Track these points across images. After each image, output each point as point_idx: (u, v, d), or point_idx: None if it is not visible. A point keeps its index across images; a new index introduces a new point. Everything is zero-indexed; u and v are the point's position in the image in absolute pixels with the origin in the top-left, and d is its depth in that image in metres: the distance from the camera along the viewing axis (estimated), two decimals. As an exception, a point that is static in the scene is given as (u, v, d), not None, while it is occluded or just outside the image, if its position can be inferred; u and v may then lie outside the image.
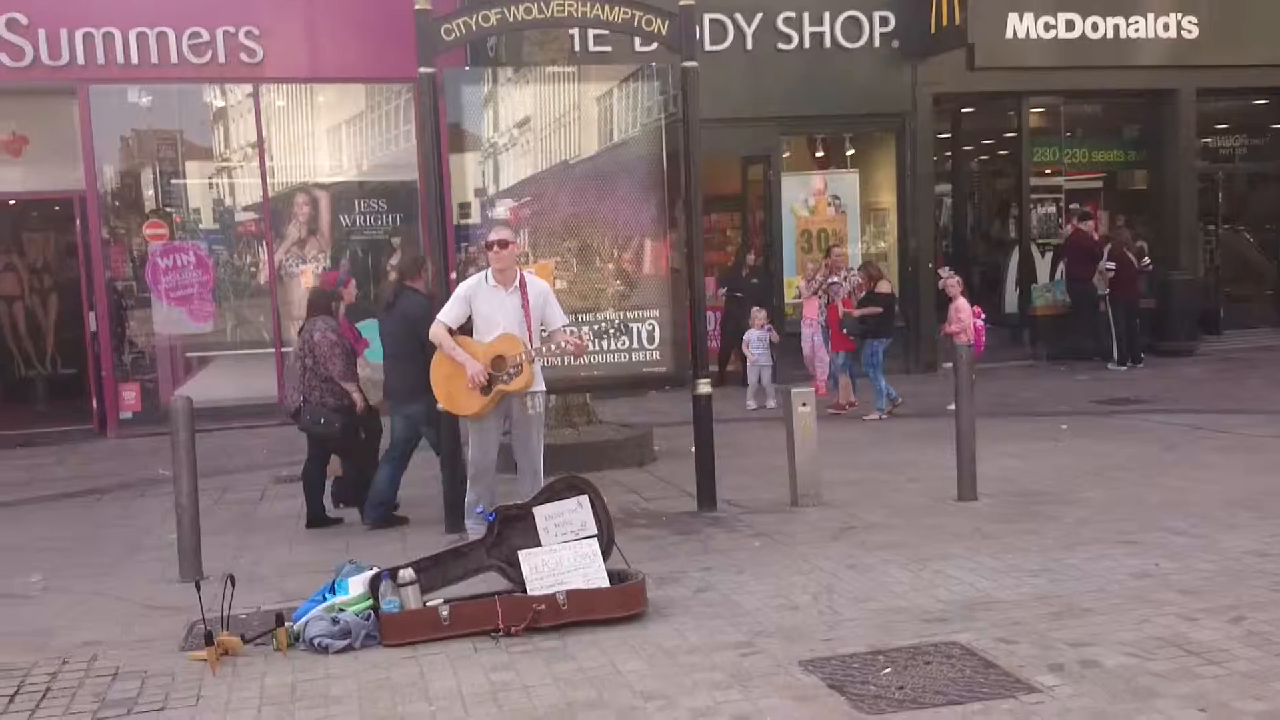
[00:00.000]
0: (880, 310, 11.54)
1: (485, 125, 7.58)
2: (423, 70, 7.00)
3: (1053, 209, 15.74)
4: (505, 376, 6.57)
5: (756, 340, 12.45)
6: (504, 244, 6.58)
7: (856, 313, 11.49)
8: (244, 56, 12.28)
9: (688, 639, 5.00)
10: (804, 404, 7.47)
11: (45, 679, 4.99)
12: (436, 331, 6.69)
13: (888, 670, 4.49)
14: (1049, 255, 15.68)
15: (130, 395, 12.55)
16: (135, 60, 12.00)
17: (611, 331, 7.14)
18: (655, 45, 12.09)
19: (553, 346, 6.72)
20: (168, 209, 12.93)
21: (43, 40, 11.76)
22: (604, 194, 7.51)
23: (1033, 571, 5.79)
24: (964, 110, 15.87)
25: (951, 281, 11.95)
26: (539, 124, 7.60)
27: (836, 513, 7.26)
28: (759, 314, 12.61)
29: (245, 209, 13.12)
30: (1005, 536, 6.49)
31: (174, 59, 12.10)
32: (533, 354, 6.58)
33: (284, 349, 12.82)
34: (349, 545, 7.18)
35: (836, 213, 14.50)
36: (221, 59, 12.22)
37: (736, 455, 9.06)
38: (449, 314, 6.71)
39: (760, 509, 7.51)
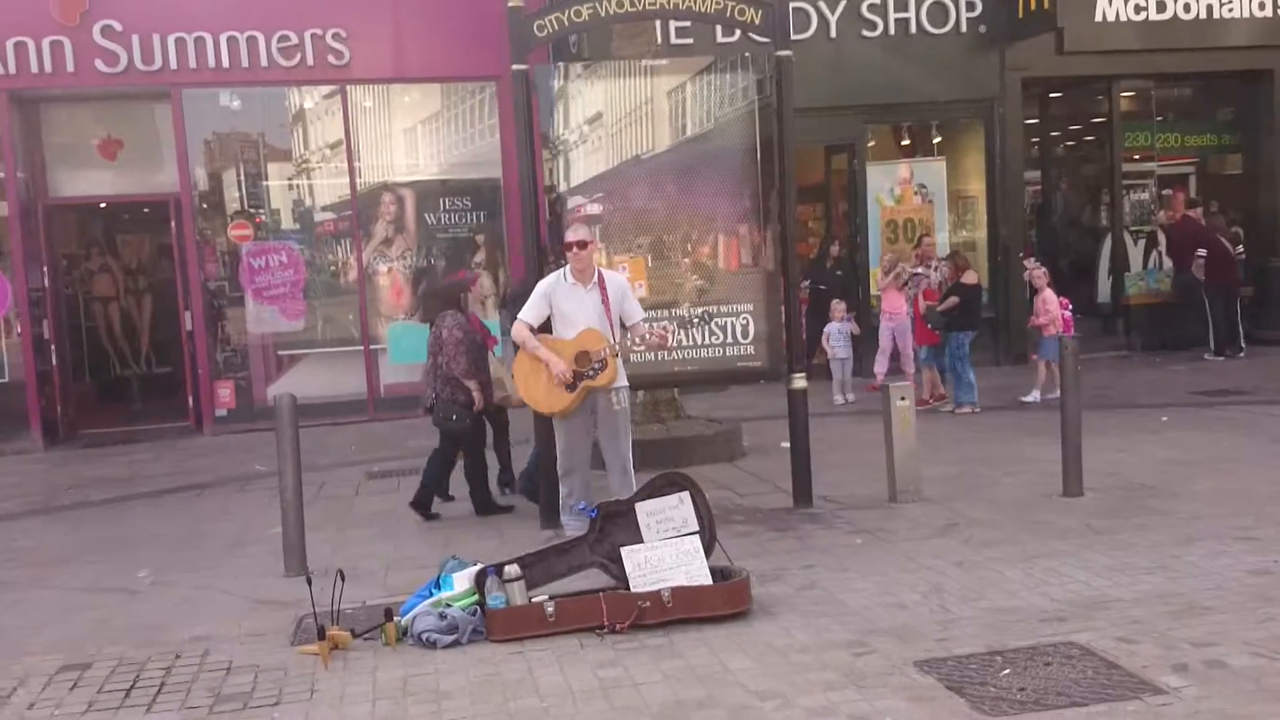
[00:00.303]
0: (960, 301, 11.30)
1: (574, 120, 7.57)
2: (515, 67, 7.00)
3: (1145, 195, 15.34)
4: (590, 372, 6.58)
5: (836, 333, 12.31)
6: (583, 245, 6.61)
7: (940, 306, 11.31)
8: (331, 59, 12.42)
9: (796, 638, 4.94)
10: (902, 398, 7.36)
11: (160, 673, 5.08)
12: (519, 330, 6.70)
13: (1007, 671, 4.39)
14: (1142, 243, 15.30)
15: (225, 393, 12.77)
16: (226, 64, 12.18)
17: (696, 321, 7.07)
18: (736, 36, 12.22)
19: (636, 340, 6.73)
20: (254, 209, 13.14)
21: (136, 46, 11.99)
22: (694, 186, 7.44)
23: (1147, 569, 5.63)
24: (1052, 95, 15.54)
25: (1038, 272, 11.71)
26: (627, 117, 7.57)
27: (938, 509, 7.14)
28: (839, 306, 12.47)
29: (333, 209, 13.28)
30: (1116, 532, 6.32)
31: (264, 62, 12.27)
32: (616, 349, 6.60)
33: (372, 346, 13.00)
34: (449, 540, 7.21)
35: (923, 202, 14.28)
36: (310, 61, 12.37)
37: (827, 450, 8.93)
38: (530, 312, 6.73)
39: (858, 505, 7.42)
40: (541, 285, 6.79)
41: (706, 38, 12.59)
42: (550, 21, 6.95)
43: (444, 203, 13.27)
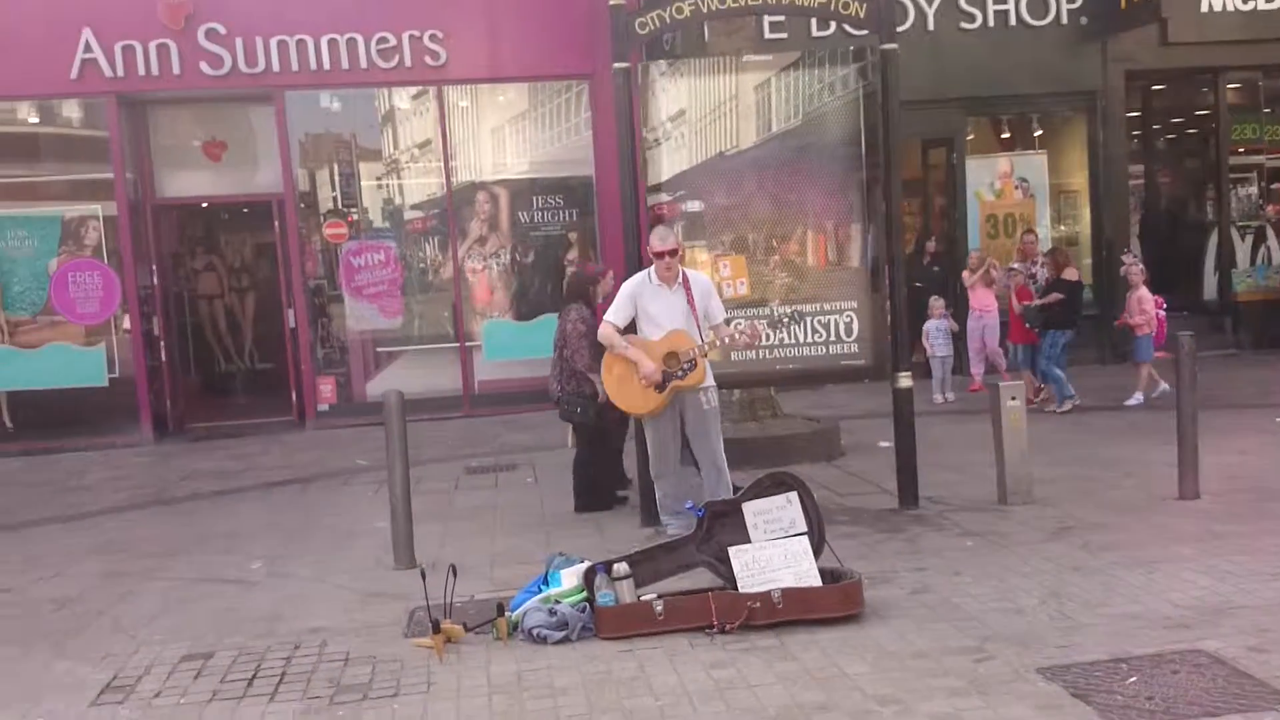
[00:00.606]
0: (1062, 298, 11.06)
1: (669, 117, 7.53)
2: (618, 65, 7.00)
3: (1253, 189, 14.88)
4: (679, 373, 6.57)
5: (935, 330, 12.13)
6: (673, 253, 6.63)
7: (1037, 302, 11.09)
8: (428, 59, 12.58)
9: (913, 642, 4.87)
10: (1013, 398, 7.22)
11: (280, 663, 5.19)
12: (606, 332, 6.73)
13: (1133, 679, 4.28)
14: (1249, 238, 14.85)
15: (326, 389, 13.03)
16: (327, 66, 12.41)
17: (785, 320, 6.99)
18: (831, 29, 12.09)
19: (725, 340, 6.70)
20: (348, 208, 13.35)
21: (240, 49, 12.26)
22: (795, 181, 7.35)
23: (1273, 575, 5.45)
24: (1155, 87, 15.14)
25: (1135, 269, 11.40)
26: (718, 111, 7.50)
27: (1050, 511, 6.99)
28: (937, 303, 12.29)
29: (428, 207, 13.46)
30: (1238, 538, 6.14)
31: (363, 64, 12.47)
32: (705, 349, 6.58)
33: (467, 343, 13.15)
34: (549, 537, 7.27)
35: (1024, 196, 14.02)
36: (407, 62, 12.54)
37: (929, 450, 8.77)
38: (617, 314, 6.74)
39: (966, 507, 7.30)
40: (627, 286, 6.81)
41: (800, 33, 12.50)
42: (652, 19, 6.94)
43: (536, 201, 13.37)
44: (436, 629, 5.10)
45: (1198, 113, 15.65)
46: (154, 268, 12.87)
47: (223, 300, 15.75)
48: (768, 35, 12.85)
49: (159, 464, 11.37)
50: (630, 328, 6.84)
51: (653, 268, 6.73)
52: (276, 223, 12.99)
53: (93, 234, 12.48)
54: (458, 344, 13.23)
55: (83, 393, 12.44)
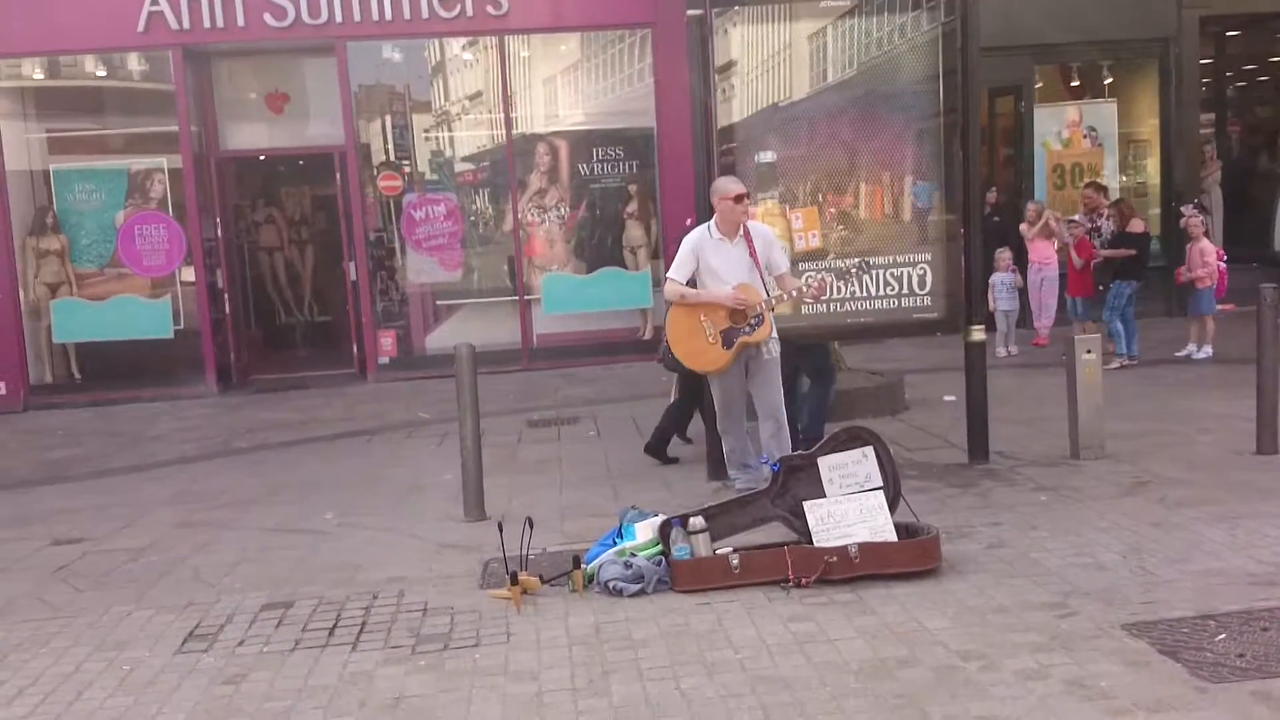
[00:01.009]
0: (1134, 251, 10.86)
1: (739, 65, 7.41)
2: (691, 13, 6.91)
3: (1334, 138, 14.49)
4: (747, 329, 6.47)
5: (1001, 284, 11.95)
6: (747, 197, 6.53)
7: (1105, 253, 10.88)
8: (490, 8, 12.48)
9: (993, 598, 4.83)
10: (1089, 351, 7.11)
11: (360, 613, 5.25)
12: (672, 289, 6.61)
13: (1222, 636, 4.21)
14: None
15: (387, 342, 13.10)
16: (389, 17, 12.36)
17: (853, 271, 6.89)
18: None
19: (792, 293, 6.57)
20: (400, 160, 13.31)
21: (304, 0, 12.24)
22: (869, 130, 7.22)
23: (1361, 533, 5.35)
24: (1229, 34, 14.73)
25: (1195, 221, 11.14)
26: (787, 60, 7.36)
27: (1124, 466, 6.89)
28: (1003, 255, 12.09)
29: (488, 159, 13.42)
30: (1321, 494, 6.03)
31: (424, 14, 12.40)
32: (773, 303, 6.47)
33: (526, 297, 13.15)
34: (617, 490, 7.29)
35: (1093, 145, 13.73)
36: (469, 12, 12.45)
37: (996, 404, 8.60)
38: (680, 270, 6.61)
39: (1036, 461, 7.21)
40: (688, 241, 6.68)
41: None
42: (726, -35, 6.83)
43: (596, 153, 13.29)
44: (514, 580, 5.12)
45: (1271, 60, 15.22)
46: (218, 220, 12.98)
47: (282, 253, 15.86)
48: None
49: (224, 415, 11.53)
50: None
51: (712, 221, 6.60)
52: (338, 175, 13.03)
53: (158, 187, 12.61)
54: (517, 297, 13.24)
55: (149, 344, 12.64)
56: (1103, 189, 12.08)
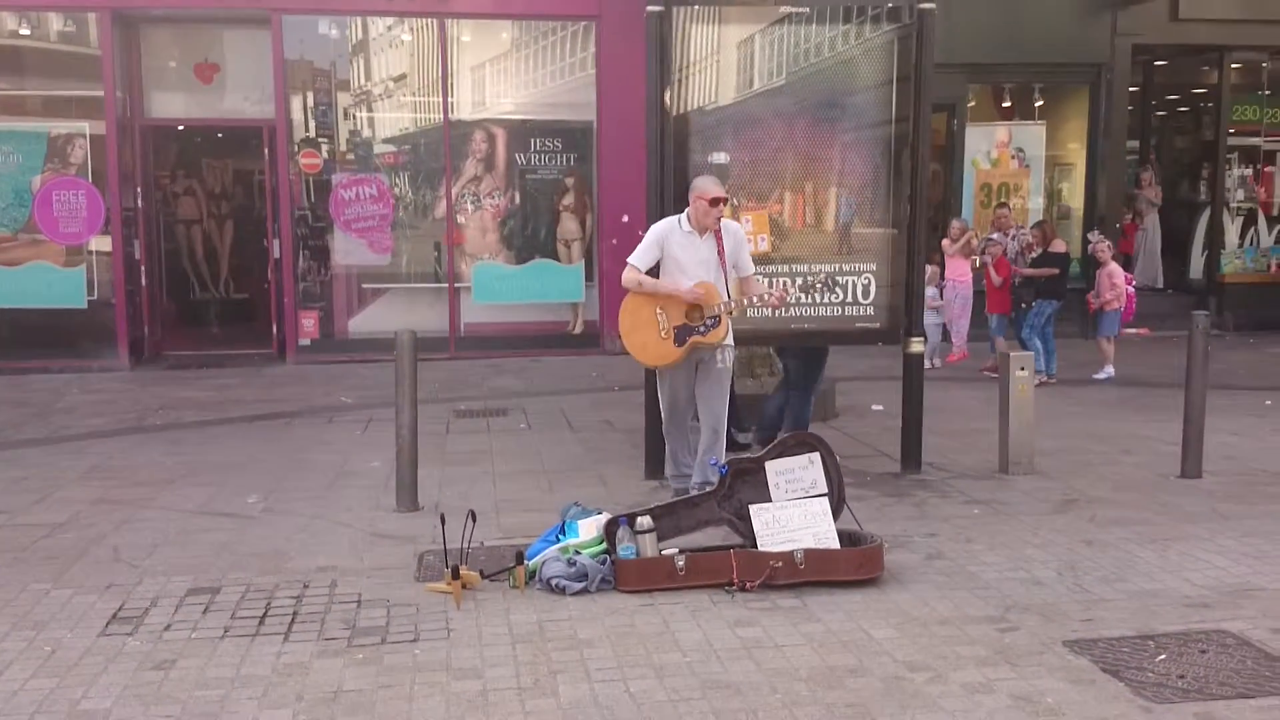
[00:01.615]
0: (1057, 271, 11.08)
1: (691, 64, 7.34)
2: (651, 9, 6.85)
3: (1248, 171, 14.94)
4: (702, 328, 6.29)
5: (927, 297, 12.09)
6: (725, 202, 6.36)
7: (1028, 272, 11.09)
8: (433, -10, 12.29)
9: (935, 609, 4.86)
10: (1022, 368, 7.22)
11: (291, 602, 5.09)
12: (631, 275, 6.37)
13: (1162, 657, 4.29)
14: (1240, 219, 14.94)
15: (309, 323, 12.82)
16: (328, -10, 12.10)
17: (819, 285, 6.90)
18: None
19: (754, 299, 6.50)
20: (324, 138, 13.00)
21: (239, -32, 11.93)
22: (821, 137, 7.23)
23: (1287, 558, 5.50)
24: (1156, 63, 15.13)
25: (1102, 246, 11.42)
26: (750, 62, 7.34)
27: (1053, 483, 7.01)
28: (931, 270, 12.23)
29: (423, 143, 13.20)
30: (1244, 518, 6.18)
31: (365, -10, 12.18)
32: (732, 307, 6.33)
33: (456, 284, 12.96)
34: (553, 484, 7.21)
35: (1020, 166, 14.00)
36: (411, -8, 12.25)
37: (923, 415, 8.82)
38: (642, 258, 6.39)
39: (967, 474, 7.31)
40: (655, 230, 6.47)
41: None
42: (688, -38, 6.78)
43: (534, 143, 13.15)
44: (455, 575, 5.02)
45: (1192, 91, 15.68)
46: (138, 190, 12.57)
47: (201, 226, 15.45)
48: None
49: (137, 390, 11.17)
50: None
51: (685, 213, 6.41)
52: (266, 150, 12.71)
53: (79, 152, 12.15)
54: (446, 284, 13.06)
55: (61, 314, 12.20)
56: (1006, 206, 12.30)
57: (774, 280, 6.97)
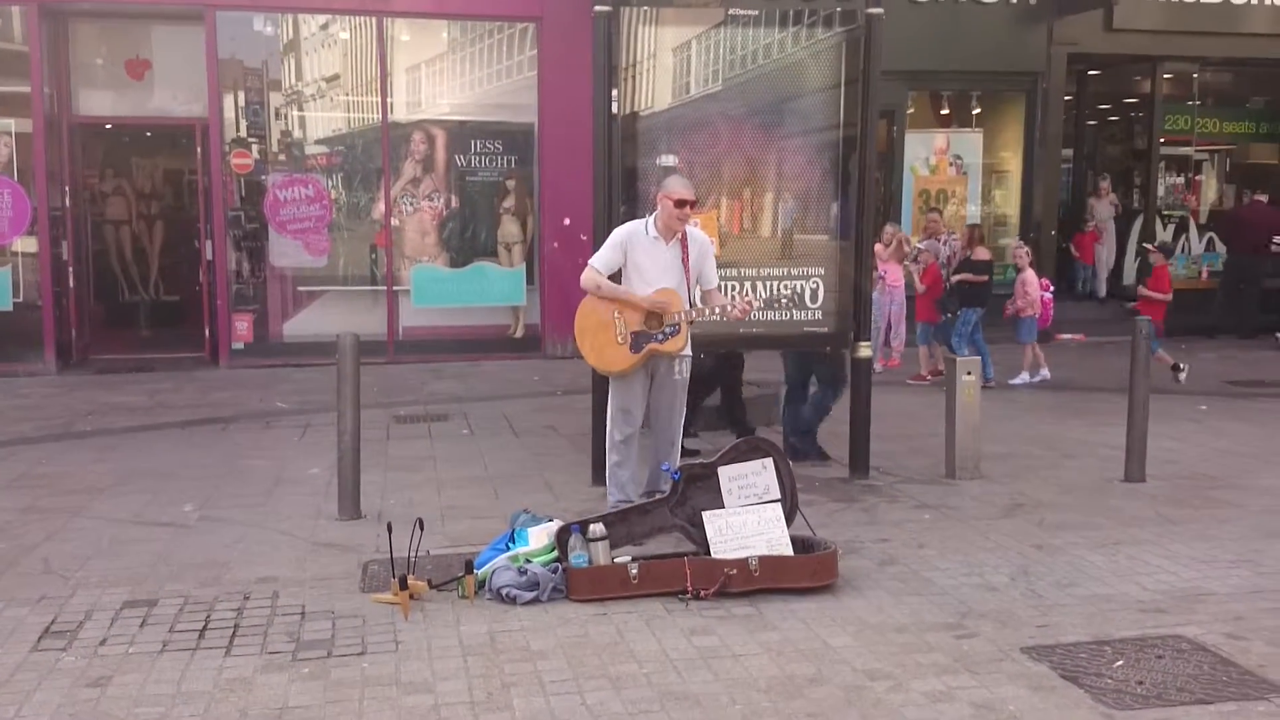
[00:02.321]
0: (985, 279, 11.17)
1: (636, 66, 7.27)
2: (599, 9, 6.76)
3: (1179, 179, 15.23)
4: (660, 336, 6.14)
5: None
6: (693, 205, 6.18)
7: (955, 278, 11.17)
8: (372, -12, 12.09)
9: (891, 616, 4.82)
10: (968, 373, 7.24)
11: (232, 614, 4.92)
12: (590, 277, 6.20)
13: (1120, 663, 4.28)
14: (1172, 226, 15.22)
15: (243, 326, 12.53)
16: (264, -13, 11.85)
17: (784, 301, 6.77)
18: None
19: (716, 310, 6.35)
20: (260, 138, 12.73)
21: (173, -37, 11.63)
22: (768, 141, 7.20)
23: (1233, 562, 5.55)
24: (1090, 72, 15.38)
25: (1020, 252, 11.58)
26: (698, 64, 7.27)
27: (999, 488, 7.04)
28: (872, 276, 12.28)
29: (361, 144, 12.98)
30: (1190, 523, 6.24)
31: (303, -13, 11.94)
32: (693, 315, 6.20)
33: (395, 288, 12.76)
34: (498, 491, 7.09)
35: (958, 173, 14.13)
36: (350, -10, 12.04)
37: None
38: (603, 260, 6.24)
39: (914, 478, 7.31)
40: (618, 234, 6.30)
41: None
42: (637, -37, 6.71)
43: (474, 144, 13.00)
44: (403, 585, 4.88)
45: (1128, 100, 15.96)
46: (66, 189, 12.21)
47: (130, 227, 15.02)
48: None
49: (65, 395, 10.83)
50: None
51: (651, 217, 6.24)
52: (199, 149, 12.41)
53: (3, 150, 11.75)
54: (384, 287, 12.85)
55: (-14, 316, 11.80)
56: (936, 211, 12.37)
57: (724, 287, 6.87)
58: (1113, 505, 6.62)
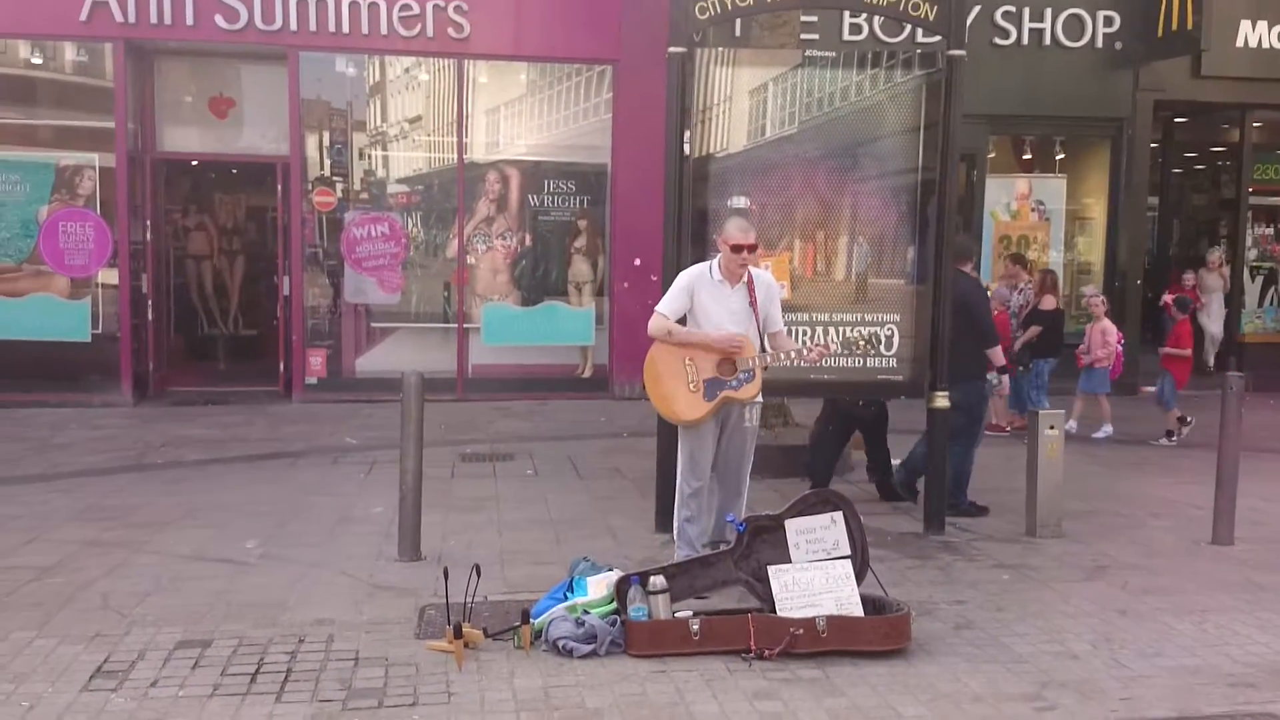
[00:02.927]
0: (1039, 330, 10.83)
1: (711, 109, 7.17)
2: (673, 50, 6.69)
3: (1269, 230, 14.75)
4: (735, 382, 5.93)
5: None
6: (754, 249, 5.99)
7: (1020, 340, 10.81)
8: (451, 31, 12.18)
9: (967, 684, 4.59)
10: (1051, 427, 6.97)
11: (285, 658, 4.84)
12: (659, 324, 6.01)
13: (1211, 743, 4.03)
14: (1260, 279, 14.73)
15: (316, 361, 12.61)
16: (346, 29, 11.99)
17: (863, 345, 6.51)
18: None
19: (790, 354, 6.10)
20: (338, 176, 12.86)
21: (257, 4, 11.81)
22: (845, 183, 7.05)
23: (1331, 635, 5.22)
24: (1177, 120, 15.00)
25: (1096, 301, 11.21)
26: (774, 106, 7.14)
27: (1081, 548, 6.75)
28: None
29: (436, 183, 13.08)
30: (1283, 590, 5.92)
31: (383, 30, 12.06)
32: (767, 361, 5.99)
33: (465, 325, 12.77)
34: (559, 536, 6.96)
35: (1040, 219, 13.82)
36: (429, 33, 12.14)
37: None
38: (670, 305, 6.05)
39: (992, 536, 7.04)
40: (684, 277, 6.14)
41: (832, 35, 12.26)
42: (713, 4, 6.63)
43: (548, 185, 13.01)
44: (458, 633, 4.76)
45: (1215, 149, 15.53)
46: (148, 223, 12.43)
47: (211, 261, 15.30)
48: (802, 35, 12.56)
49: (139, 426, 10.96)
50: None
51: (715, 260, 6.08)
52: (279, 186, 12.57)
53: (87, 184, 12.01)
54: (455, 325, 12.87)
55: (64, 347, 11.98)
56: (1022, 260, 11.91)
57: (795, 332, 6.71)
58: (1200, 569, 6.30)
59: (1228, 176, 15.06)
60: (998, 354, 7.71)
